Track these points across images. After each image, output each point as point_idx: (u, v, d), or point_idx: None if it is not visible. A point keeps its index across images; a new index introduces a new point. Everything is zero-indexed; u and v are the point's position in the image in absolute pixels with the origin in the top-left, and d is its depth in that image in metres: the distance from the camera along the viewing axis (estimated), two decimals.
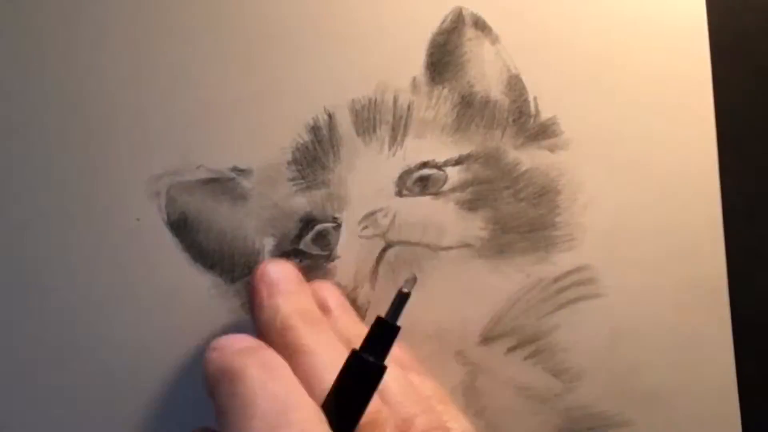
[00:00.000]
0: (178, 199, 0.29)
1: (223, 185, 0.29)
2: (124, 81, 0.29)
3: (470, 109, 0.31)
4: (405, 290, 0.24)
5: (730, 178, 0.32)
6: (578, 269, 0.31)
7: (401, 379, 0.25)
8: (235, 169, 0.29)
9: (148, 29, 0.29)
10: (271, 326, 0.26)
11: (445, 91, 0.31)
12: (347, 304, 0.29)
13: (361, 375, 0.23)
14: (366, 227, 0.30)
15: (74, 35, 0.29)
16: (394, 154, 0.30)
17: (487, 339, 0.30)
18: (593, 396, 0.31)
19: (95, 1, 0.29)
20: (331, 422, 0.22)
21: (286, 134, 0.30)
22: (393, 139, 0.30)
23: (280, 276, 0.27)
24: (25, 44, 0.29)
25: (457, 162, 0.30)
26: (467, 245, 0.30)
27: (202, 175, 0.29)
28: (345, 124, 0.30)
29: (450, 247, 0.30)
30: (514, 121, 0.31)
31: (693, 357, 0.31)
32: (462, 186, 0.30)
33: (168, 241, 0.29)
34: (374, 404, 0.23)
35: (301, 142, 0.30)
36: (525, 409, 0.30)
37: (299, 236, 0.30)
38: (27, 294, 0.29)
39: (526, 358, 0.30)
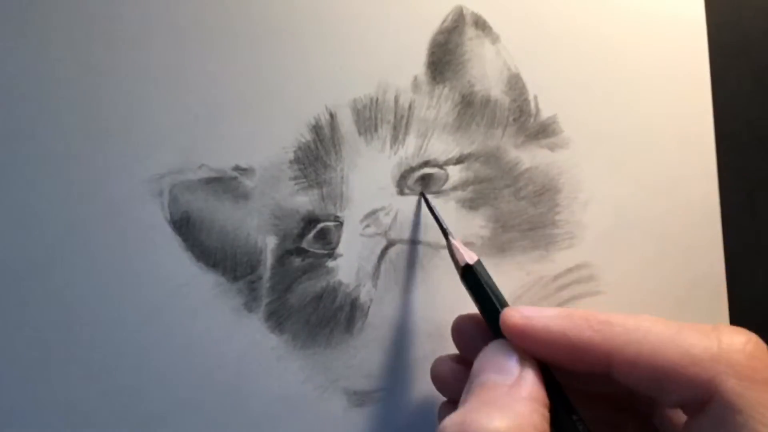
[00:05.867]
0: (180, 198, 0.29)
1: (226, 184, 0.30)
2: (126, 80, 0.29)
3: (471, 108, 0.31)
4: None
5: (728, 175, 0.32)
6: (578, 267, 0.31)
7: None
8: (237, 168, 0.30)
9: (149, 29, 0.29)
10: None
11: (446, 90, 0.31)
12: None
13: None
14: (368, 226, 0.30)
15: (75, 35, 0.29)
16: (395, 153, 0.30)
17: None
18: None
19: (97, 1, 0.29)
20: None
21: (288, 133, 0.30)
22: (394, 138, 0.30)
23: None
24: (27, 44, 0.29)
25: (458, 161, 0.31)
26: (468, 243, 0.30)
27: (205, 174, 0.29)
28: (347, 123, 0.30)
29: None
30: (514, 120, 0.31)
31: None
32: (463, 185, 0.31)
33: (171, 239, 0.29)
34: None
35: (303, 141, 0.30)
36: None
37: (301, 235, 0.30)
38: (28, 294, 0.29)
39: None
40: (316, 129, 0.30)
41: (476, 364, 0.23)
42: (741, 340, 0.21)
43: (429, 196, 0.30)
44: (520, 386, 0.21)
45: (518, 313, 0.23)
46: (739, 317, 0.32)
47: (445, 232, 0.28)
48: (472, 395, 0.22)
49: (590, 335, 0.22)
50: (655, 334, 0.21)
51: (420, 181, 0.30)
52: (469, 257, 0.26)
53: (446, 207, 0.30)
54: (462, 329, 0.27)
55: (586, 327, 0.22)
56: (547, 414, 0.21)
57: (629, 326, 0.22)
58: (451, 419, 0.21)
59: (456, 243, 0.27)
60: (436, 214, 0.29)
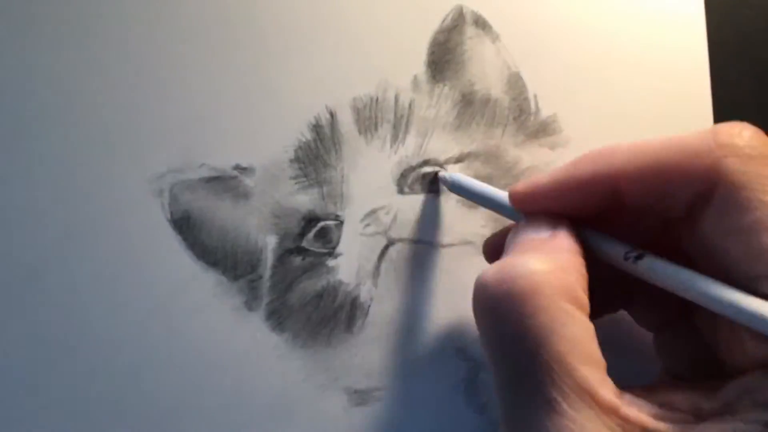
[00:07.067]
0: (180, 198, 0.29)
1: (226, 183, 0.30)
2: (126, 79, 0.29)
3: (471, 107, 0.31)
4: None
5: None
6: None
7: None
8: (237, 168, 0.30)
9: (149, 27, 0.29)
10: None
11: (446, 89, 0.31)
12: None
13: None
14: (368, 225, 0.30)
15: (75, 34, 0.29)
16: (395, 152, 0.30)
17: None
18: None
19: (96, 1, 0.29)
20: None
21: (289, 132, 0.30)
22: (394, 137, 0.30)
23: None
24: (26, 43, 0.29)
25: (458, 160, 0.31)
26: (468, 242, 0.30)
27: (205, 173, 0.29)
28: (347, 122, 0.30)
29: (451, 245, 0.30)
30: (514, 119, 0.31)
31: None
32: None
33: (171, 239, 0.29)
34: None
35: (303, 140, 0.30)
36: None
37: (301, 234, 0.30)
38: (27, 294, 0.29)
39: None
40: (316, 128, 0.30)
41: (510, 235, 0.24)
42: (737, 127, 0.21)
43: (429, 196, 0.30)
44: (557, 239, 0.22)
45: (522, 182, 0.24)
46: None
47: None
48: (511, 249, 0.22)
49: (594, 167, 0.22)
50: (655, 144, 0.22)
51: (420, 180, 0.30)
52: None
53: (446, 206, 0.30)
54: (494, 244, 0.27)
55: (589, 162, 0.23)
56: (583, 264, 0.22)
57: (625, 147, 0.22)
58: (492, 266, 0.21)
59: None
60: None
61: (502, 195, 0.26)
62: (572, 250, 0.22)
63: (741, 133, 0.20)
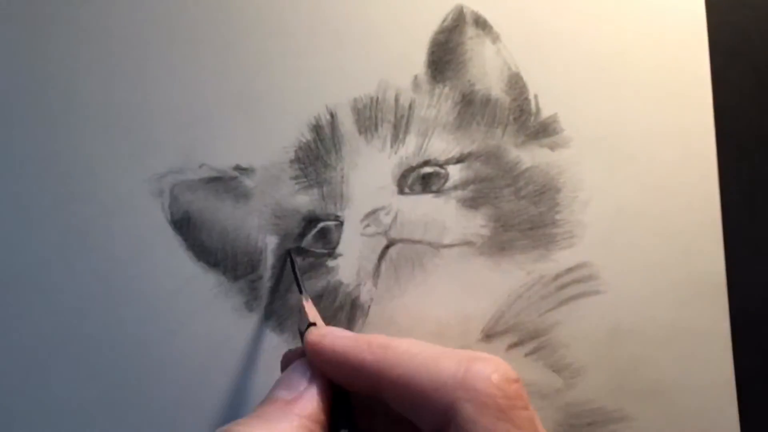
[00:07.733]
0: (181, 198, 0.29)
1: (226, 184, 0.30)
2: (127, 80, 0.29)
3: (471, 108, 0.31)
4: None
5: (729, 175, 0.32)
6: (578, 266, 0.31)
7: None
8: (237, 168, 0.30)
9: (150, 29, 0.29)
10: None
11: (446, 89, 0.31)
12: None
13: None
14: (368, 225, 0.30)
15: (77, 34, 0.29)
16: (395, 153, 0.30)
17: (488, 336, 0.30)
18: (593, 392, 0.31)
19: (97, 2, 0.29)
20: None
21: (289, 133, 0.30)
22: (395, 138, 0.30)
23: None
24: (27, 43, 0.29)
25: (459, 160, 0.31)
26: (468, 243, 0.30)
27: (205, 173, 0.29)
28: (347, 122, 0.30)
29: (451, 245, 0.30)
30: (515, 119, 0.31)
31: (692, 352, 0.31)
32: (463, 184, 0.31)
33: (171, 239, 0.29)
34: None
35: (304, 140, 0.30)
36: None
37: (302, 234, 0.30)
38: (28, 293, 0.29)
39: (527, 355, 0.31)
40: (317, 128, 0.30)
41: (281, 375, 0.24)
42: (488, 369, 0.21)
43: (428, 196, 0.30)
44: (296, 403, 0.22)
45: (317, 331, 0.24)
46: (739, 317, 0.32)
47: (300, 291, 0.28)
48: (257, 408, 0.23)
49: (365, 357, 0.22)
50: (418, 359, 0.21)
51: (420, 180, 0.30)
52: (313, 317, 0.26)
53: (447, 206, 0.30)
54: (290, 359, 0.26)
55: (364, 349, 0.22)
56: (316, 430, 0.22)
57: (400, 351, 0.22)
58: (221, 429, 0.21)
59: (308, 305, 0.27)
60: (297, 275, 0.28)
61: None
62: (306, 417, 0.22)
63: (489, 377, 0.20)
